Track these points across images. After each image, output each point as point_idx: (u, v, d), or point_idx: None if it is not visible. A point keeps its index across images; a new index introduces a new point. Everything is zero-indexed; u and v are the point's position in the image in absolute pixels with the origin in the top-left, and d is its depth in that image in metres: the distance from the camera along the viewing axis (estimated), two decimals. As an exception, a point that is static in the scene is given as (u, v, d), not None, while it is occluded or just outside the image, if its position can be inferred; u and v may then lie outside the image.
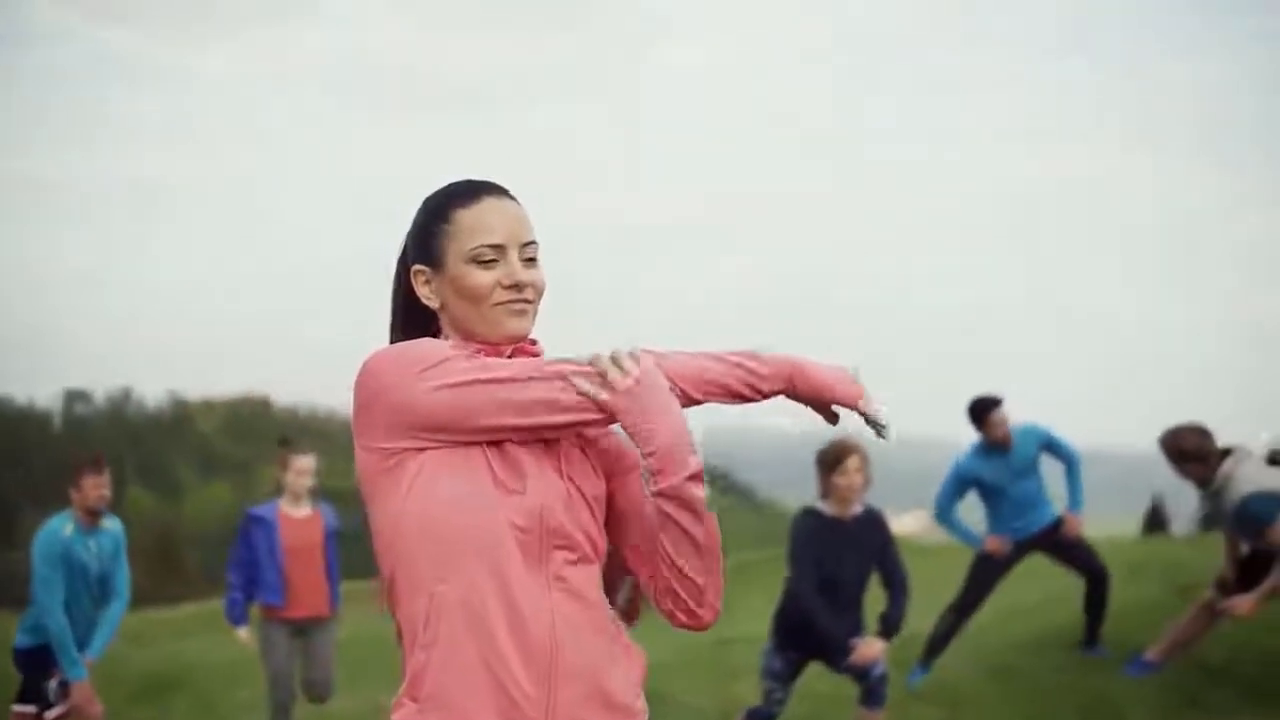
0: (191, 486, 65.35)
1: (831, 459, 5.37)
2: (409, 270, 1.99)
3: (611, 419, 1.87)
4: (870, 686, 5.39)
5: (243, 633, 6.62)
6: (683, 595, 1.92)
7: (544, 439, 1.89)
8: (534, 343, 1.98)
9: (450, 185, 1.99)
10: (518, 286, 1.91)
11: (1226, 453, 5.89)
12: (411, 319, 2.01)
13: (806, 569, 5.36)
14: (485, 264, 1.91)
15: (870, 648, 5.31)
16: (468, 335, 1.94)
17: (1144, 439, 6.70)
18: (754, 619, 6.33)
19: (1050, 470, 7.09)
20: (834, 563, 5.37)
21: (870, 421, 1.97)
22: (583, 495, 1.92)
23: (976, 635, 7.42)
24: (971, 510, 7.16)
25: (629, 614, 5.82)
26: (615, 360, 1.86)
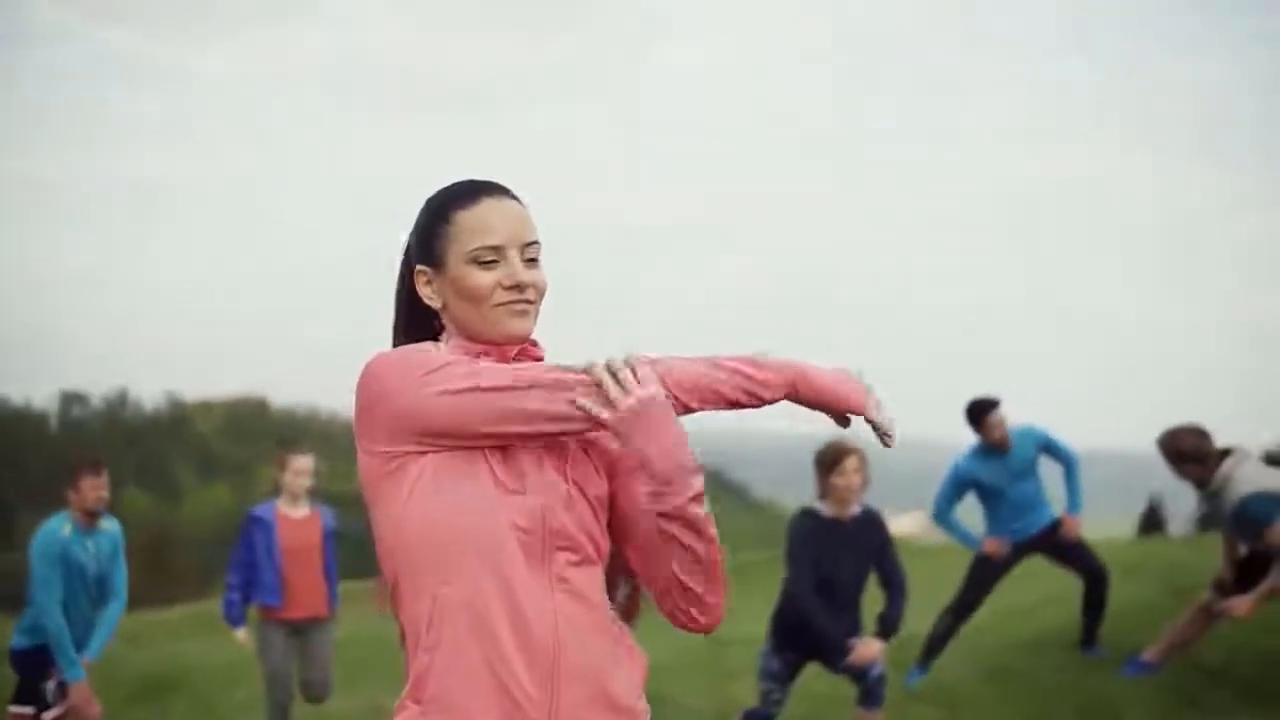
0: (189, 488, 65.35)
1: (830, 460, 5.37)
2: (412, 270, 1.99)
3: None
4: (868, 687, 5.39)
5: (241, 633, 6.61)
6: (686, 604, 1.94)
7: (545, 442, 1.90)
8: (535, 344, 1.98)
9: (451, 185, 1.99)
10: (518, 287, 1.91)
11: (1225, 454, 5.90)
12: (415, 319, 2.01)
13: (804, 570, 5.35)
14: (485, 265, 1.91)
15: (868, 648, 5.31)
16: (469, 335, 1.94)
17: (1143, 439, 6.70)
18: (752, 620, 6.33)
19: (1048, 471, 7.09)
20: (832, 563, 5.37)
21: (875, 428, 1.95)
22: (585, 496, 1.92)
23: (974, 636, 7.43)
24: (971, 512, 7.17)
25: (627, 613, 5.83)
26: (616, 376, 1.83)
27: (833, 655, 5.37)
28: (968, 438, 7.03)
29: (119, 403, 76.13)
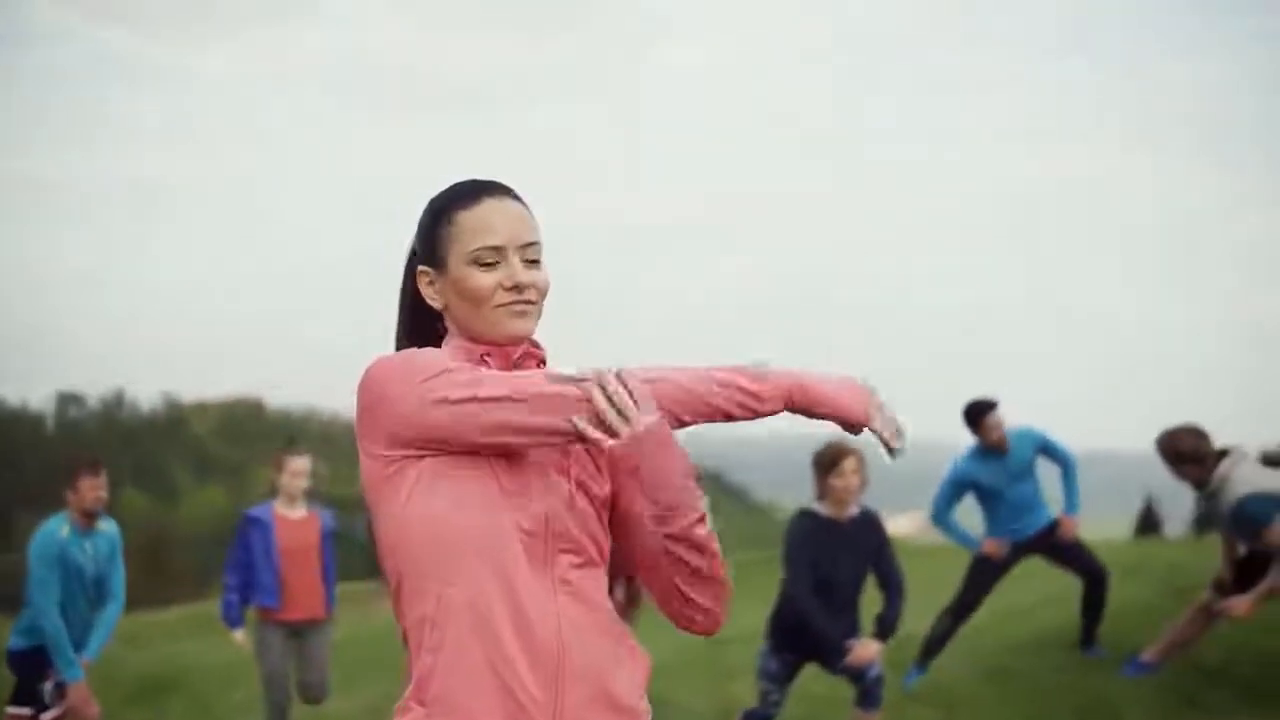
0: (186, 489, 65.31)
1: (828, 461, 5.37)
2: (416, 271, 1.99)
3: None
4: (866, 688, 5.39)
5: (239, 635, 6.61)
6: (689, 612, 1.95)
7: None
8: (538, 345, 1.97)
9: (453, 186, 1.98)
10: (518, 288, 1.90)
11: (1223, 454, 5.90)
12: (418, 320, 2.01)
13: (802, 571, 5.35)
14: (486, 265, 1.90)
15: (866, 649, 5.31)
16: (471, 336, 1.94)
17: (1143, 440, 6.71)
18: (750, 620, 6.33)
19: (1045, 473, 7.10)
20: (829, 564, 5.37)
21: (879, 438, 1.90)
22: (588, 498, 1.92)
23: (973, 636, 7.43)
24: (970, 513, 7.17)
25: (626, 612, 5.82)
26: (614, 401, 1.79)
27: (831, 656, 5.37)
28: (967, 438, 7.04)
29: (115, 403, 76.10)
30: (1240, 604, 5.91)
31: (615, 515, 1.98)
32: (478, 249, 1.90)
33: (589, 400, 1.79)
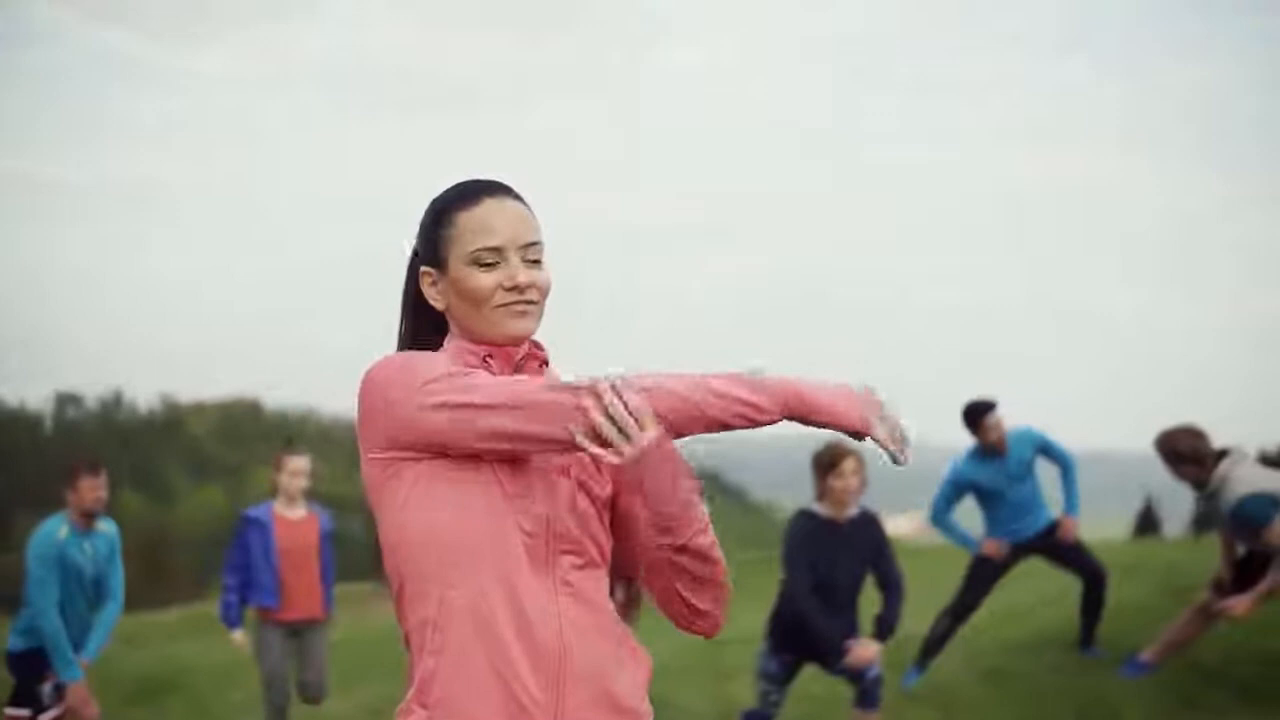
0: (183, 490, 65.26)
1: (827, 462, 5.38)
2: (418, 272, 1.99)
3: None
4: (865, 688, 5.39)
5: (238, 635, 6.61)
6: (690, 616, 1.97)
7: None
8: (540, 347, 1.97)
9: (454, 186, 1.98)
10: (517, 288, 1.90)
11: (1222, 454, 5.90)
12: (420, 320, 2.00)
13: (801, 571, 5.36)
14: (485, 266, 1.90)
15: (865, 650, 5.31)
16: (473, 336, 1.94)
17: (1143, 440, 6.71)
18: (749, 621, 6.33)
19: (1044, 473, 7.10)
20: (828, 565, 5.38)
21: (882, 447, 1.87)
22: (589, 499, 1.92)
23: (971, 637, 7.43)
24: (969, 515, 7.17)
25: (625, 612, 5.82)
26: (613, 416, 1.77)
27: (830, 656, 5.38)
28: (966, 439, 7.04)
29: (113, 404, 76.07)
30: (1239, 604, 5.91)
31: (615, 516, 1.98)
32: (477, 249, 1.90)
33: (586, 412, 1.77)
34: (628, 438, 1.77)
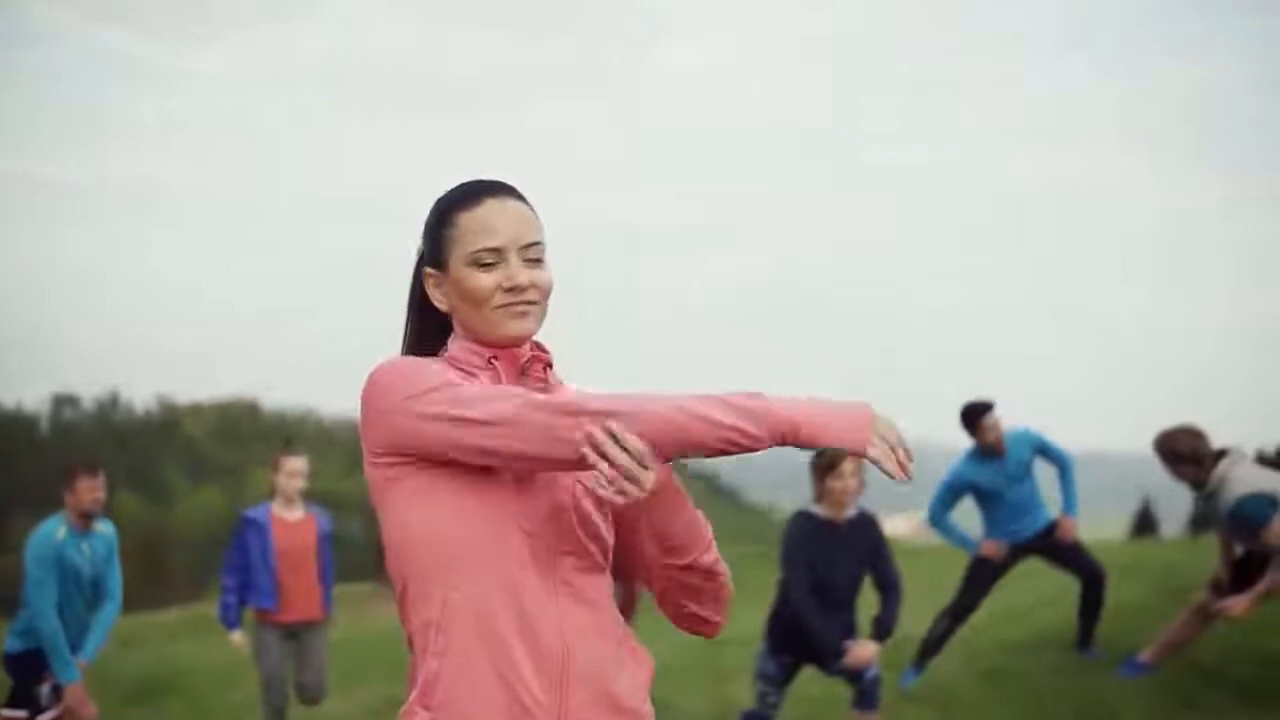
0: (180, 491, 65.22)
1: (826, 462, 5.38)
2: (423, 273, 1.99)
3: None
4: (863, 689, 5.39)
5: (236, 636, 6.61)
6: (691, 623, 2.01)
7: None
8: (543, 348, 1.97)
9: (457, 187, 1.98)
10: (516, 289, 1.90)
11: (1221, 454, 5.90)
12: (426, 321, 2.00)
13: (799, 572, 5.36)
14: (486, 266, 1.90)
15: (864, 650, 5.31)
16: (476, 337, 1.94)
17: (1142, 440, 6.71)
18: (748, 622, 6.33)
19: (1043, 474, 7.10)
20: (826, 566, 5.38)
21: (880, 468, 1.81)
22: (592, 500, 1.91)
23: (970, 637, 7.43)
24: (968, 515, 7.17)
25: (624, 613, 5.82)
26: (616, 464, 1.74)
27: (828, 657, 5.37)
28: (966, 440, 7.04)
29: (110, 405, 76.04)
30: (1237, 604, 5.92)
31: (616, 517, 1.98)
32: (477, 250, 1.90)
33: (578, 444, 1.74)
34: (634, 480, 1.75)
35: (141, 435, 72.54)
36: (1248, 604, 5.89)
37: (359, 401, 1.89)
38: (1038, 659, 7.13)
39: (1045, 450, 7.02)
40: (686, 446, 1.76)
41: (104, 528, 5.65)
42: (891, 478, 1.78)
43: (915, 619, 6.87)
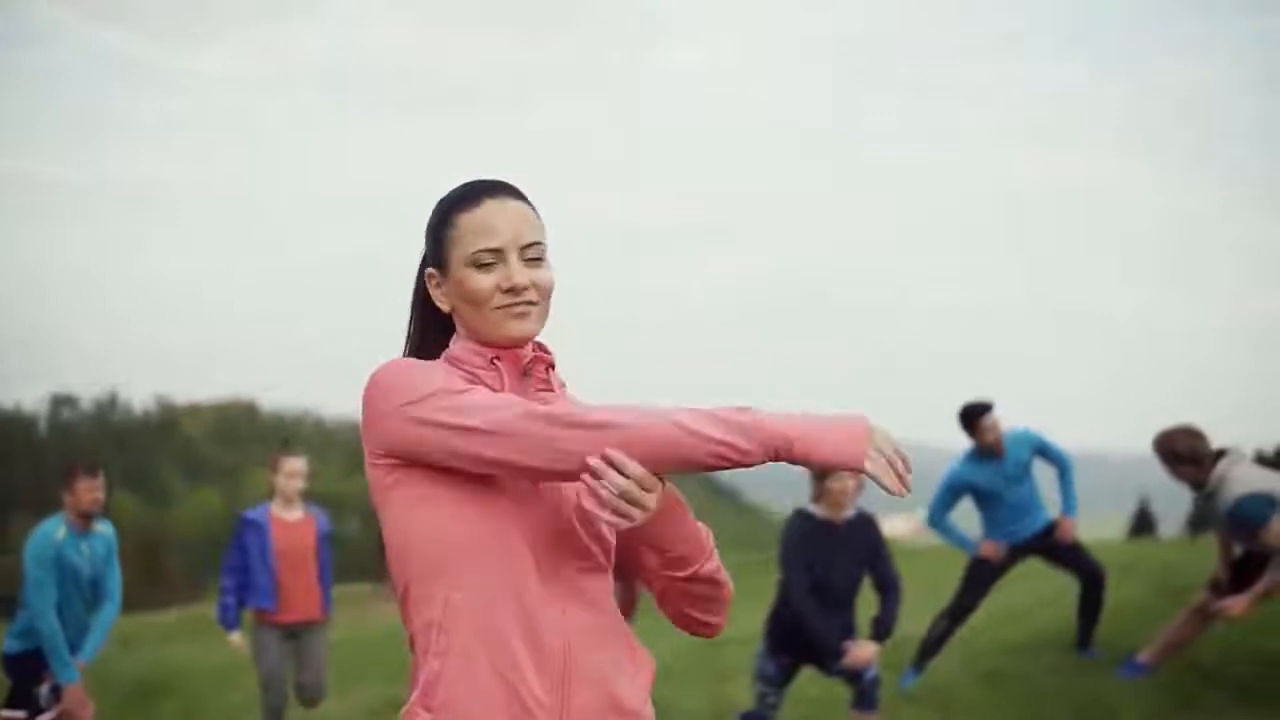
0: (179, 492, 65.25)
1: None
2: (426, 273, 1.99)
3: None
4: (862, 689, 5.39)
5: (235, 637, 6.60)
6: (691, 626, 2.02)
7: None
8: (544, 349, 1.97)
9: (459, 187, 1.97)
10: (515, 290, 1.89)
11: (1220, 454, 5.91)
12: (429, 321, 2.00)
13: (798, 573, 5.36)
14: (485, 267, 1.89)
15: (863, 651, 5.31)
16: (478, 338, 1.94)
17: (1142, 441, 6.71)
18: (747, 623, 6.33)
19: (1042, 474, 7.10)
20: (825, 566, 5.38)
21: (877, 483, 1.78)
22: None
23: (969, 638, 7.43)
24: (967, 516, 7.17)
25: (623, 613, 5.82)
26: (624, 495, 1.75)
27: (827, 658, 5.37)
28: (965, 440, 7.04)
29: (109, 405, 76.05)
30: (1236, 604, 5.92)
31: None
32: (476, 251, 1.89)
33: (576, 457, 1.75)
34: (637, 504, 1.76)
35: (140, 436, 72.58)
36: (1246, 604, 5.89)
37: (360, 402, 1.89)
38: (1037, 659, 7.13)
39: (1044, 451, 7.02)
40: (679, 462, 1.74)
41: (103, 528, 5.65)
42: (890, 493, 1.75)
43: (914, 619, 6.87)
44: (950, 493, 7.02)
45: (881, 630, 5.40)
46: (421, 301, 2.00)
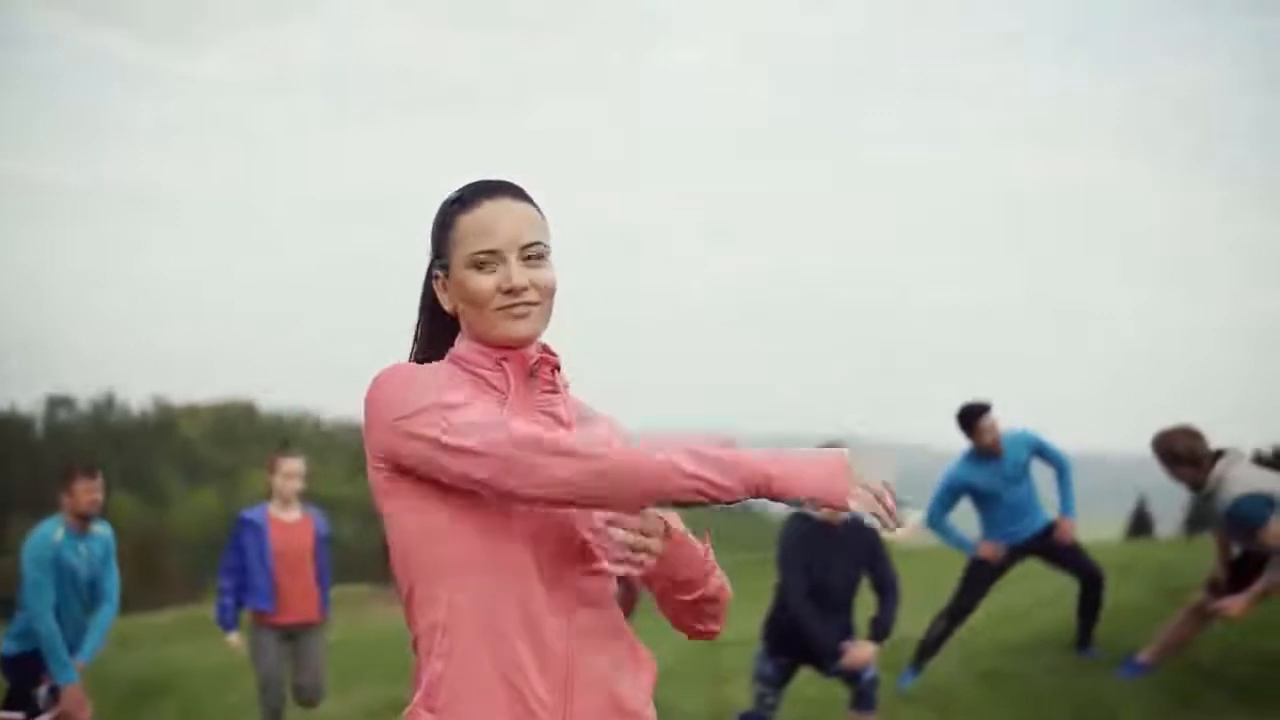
0: (176, 492, 65.17)
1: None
2: (432, 275, 1.99)
3: None
4: (861, 690, 5.39)
5: (233, 638, 6.60)
6: (690, 633, 2.05)
7: None
8: (550, 350, 1.96)
9: (460, 189, 1.97)
10: (514, 291, 1.88)
11: (1218, 455, 5.91)
12: (436, 322, 2.00)
13: (796, 574, 5.36)
14: (484, 268, 1.89)
15: (861, 652, 5.32)
16: (481, 339, 1.93)
17: (1140, 442, 6.71)
18: (745, 624, 6.33)
19: (1041, 475, 7.10)
20: (823, 567, 5.38)
21: (865, 522, 1.78)
22: None
23: (968, 638, 7.43)
24: (966, 517, 7.17)
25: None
26: (634, 545, 1.83)
27: (826, 659, 5.38)
28: (964, 441, 7.04)
29: (106, 406, 75.97)
30: (1235, 604, 5.92)
31: None
32: (475, 252, 1.89)
33: (560, 492, 1.76)
34: (645, 552, 1.85)
35: (137, 437, 72.50)
36: (1245, 604, 5.89)
37: (363, 407, 1.89)
38: (1036, 660, 7.13)
39: (1043, 451, 7.01)
40: (659, 495, 1.75)
41: (101, 529, 5.65)
42: (881, 528, 1.76)
43: (913, 620, 6.87)
44: (949, 494, 7.01)
45: (880, 631, 5.40)
46: (429, 303, 2.00)
